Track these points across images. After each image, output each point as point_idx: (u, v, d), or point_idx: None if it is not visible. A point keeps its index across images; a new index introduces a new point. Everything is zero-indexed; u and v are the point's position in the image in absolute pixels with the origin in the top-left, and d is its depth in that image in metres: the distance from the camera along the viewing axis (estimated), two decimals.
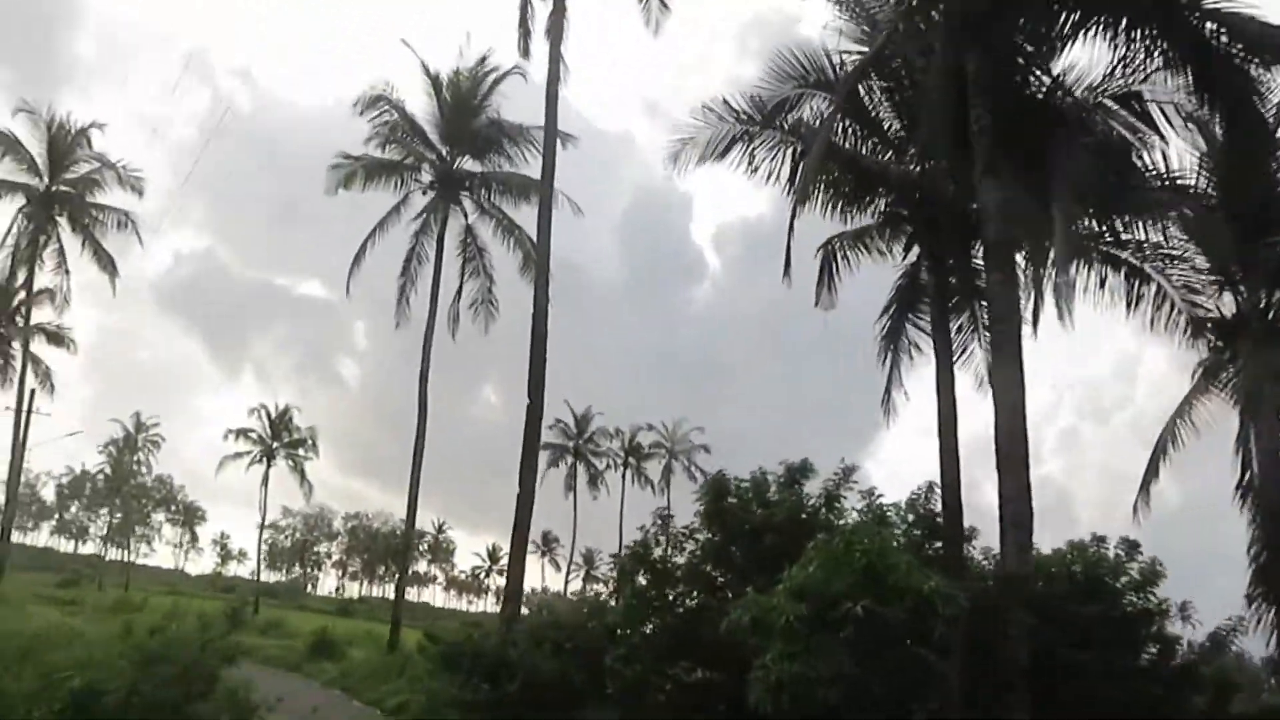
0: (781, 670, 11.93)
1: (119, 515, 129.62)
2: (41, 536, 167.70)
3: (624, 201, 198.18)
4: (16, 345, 39.91)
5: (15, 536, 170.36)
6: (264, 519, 66.80)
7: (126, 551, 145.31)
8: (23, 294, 38.40)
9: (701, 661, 16.26)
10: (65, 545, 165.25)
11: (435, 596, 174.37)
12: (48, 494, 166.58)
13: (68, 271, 39.05)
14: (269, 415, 64.85)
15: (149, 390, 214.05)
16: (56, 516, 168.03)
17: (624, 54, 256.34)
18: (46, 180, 38.16)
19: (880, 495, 17.09)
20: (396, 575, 58.58)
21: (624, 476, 78.95)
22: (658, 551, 17.67)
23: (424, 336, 31.10)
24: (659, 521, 18.15)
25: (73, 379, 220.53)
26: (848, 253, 20.69)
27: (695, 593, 17.40)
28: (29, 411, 38.14)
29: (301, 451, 64.56)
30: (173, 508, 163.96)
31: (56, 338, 41.68)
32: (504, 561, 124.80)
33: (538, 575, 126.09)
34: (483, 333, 31.63)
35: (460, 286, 31.88)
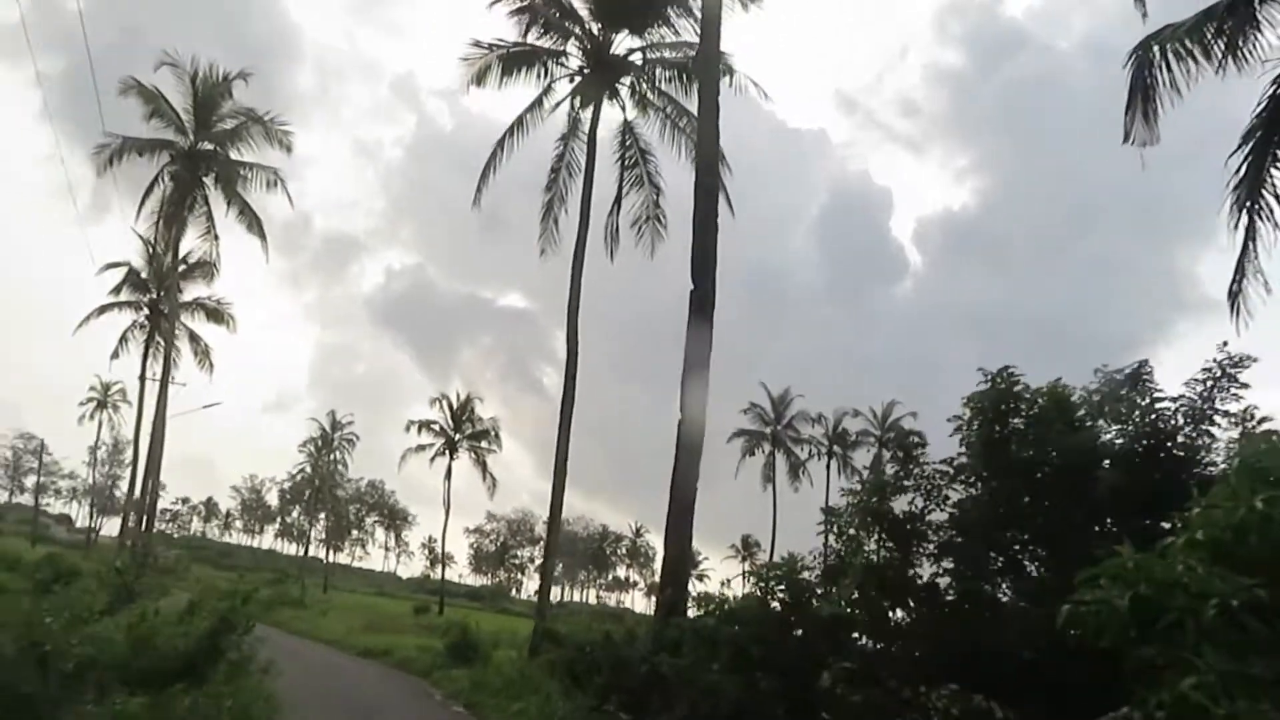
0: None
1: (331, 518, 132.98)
2: (267, 539, 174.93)
3: (821, 200, 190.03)
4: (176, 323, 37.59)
5: (244, 539, 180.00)
6: (448, 513, 63.16)
7: (334, 553, 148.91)
8: (178, 267, 35.48)
9: (986, 679, 9.20)
10: (289, 548, 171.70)
11: (636, 602, 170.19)
12: (272, 499, 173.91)
13: (216, 237, 35.81)
14: (450, 406, 61.39)
15: (367, 402, 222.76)
16: (279, 520, 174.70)
17: (818, 48, 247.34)
18: (192, 138, 34.95)
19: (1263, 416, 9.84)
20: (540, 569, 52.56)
21: (829, 467, 69.85)
22: (900, 503, 11.04)
23: (572, 264, 25.01)
24: (900, 454, 11.59)
25: (301, 392, 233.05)
26: (1171, 63, 13.41)
27: (964, 569, 10.69)
28: (162, 383, 34.94)
29: (485, 444, 60.79)
30: (384, 512, 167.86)
31: (216, 314, 38.87)
32: (704, 565, 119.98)
33: (738, 585, 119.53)
34: (648, 257, 24.93)
35: (618, 198, 25.45)
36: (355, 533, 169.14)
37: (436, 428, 61.01)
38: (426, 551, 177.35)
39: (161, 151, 33.75)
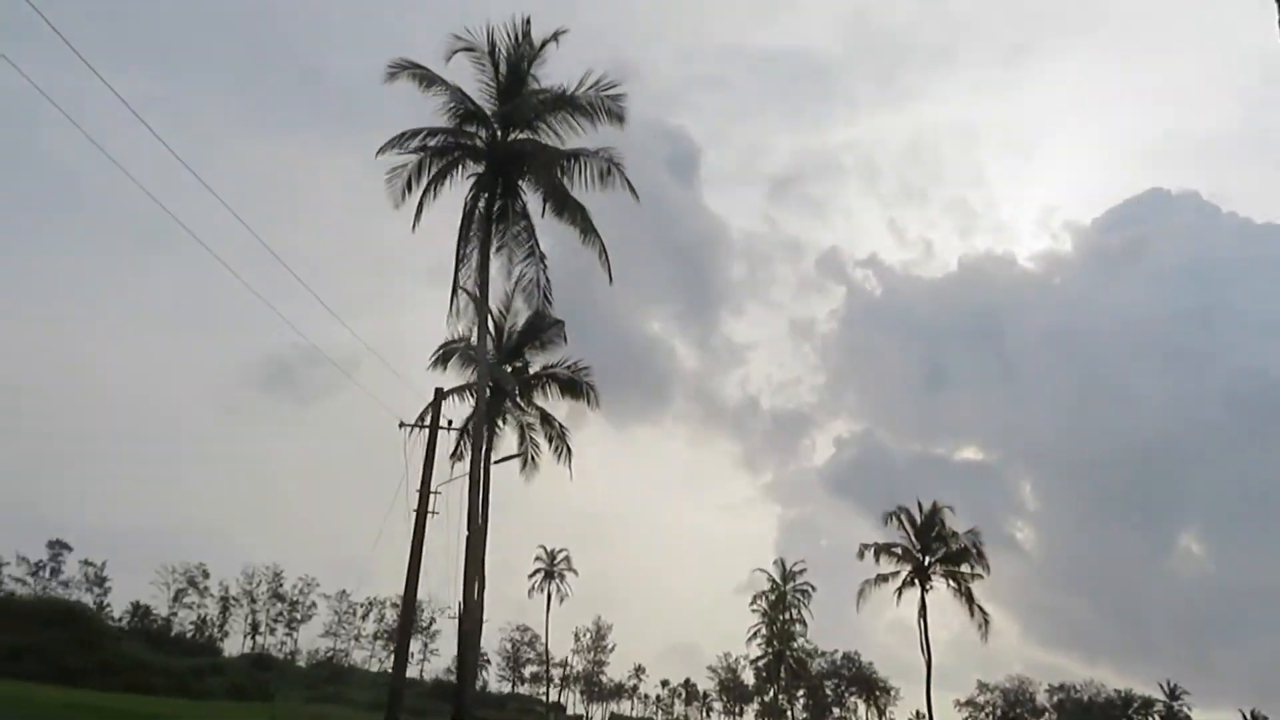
0: None
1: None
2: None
3: None
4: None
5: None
6: (929, 668, 48.38)
7: None
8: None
9: None
10: None
11: None
12: (748, 677, 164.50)
13: (543, 263, 26.61)
14: (912, 520, 47.74)
15: (832, 572, 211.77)
16: (756, 700, 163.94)
17: None
18: (499, 132, 26.49)
19: None
20: None
21: None
22: None
23: None
24: None
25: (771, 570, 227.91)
26: None
27: None
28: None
29: (965, 566, 46.08)
30: (863, 685, 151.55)
31: (572, 385, 30.73)
32: None
33: None
34: None
35: None
36: (837, 710, 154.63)
37: (898, 550, 47.62)
38: None
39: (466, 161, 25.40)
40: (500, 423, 32.77)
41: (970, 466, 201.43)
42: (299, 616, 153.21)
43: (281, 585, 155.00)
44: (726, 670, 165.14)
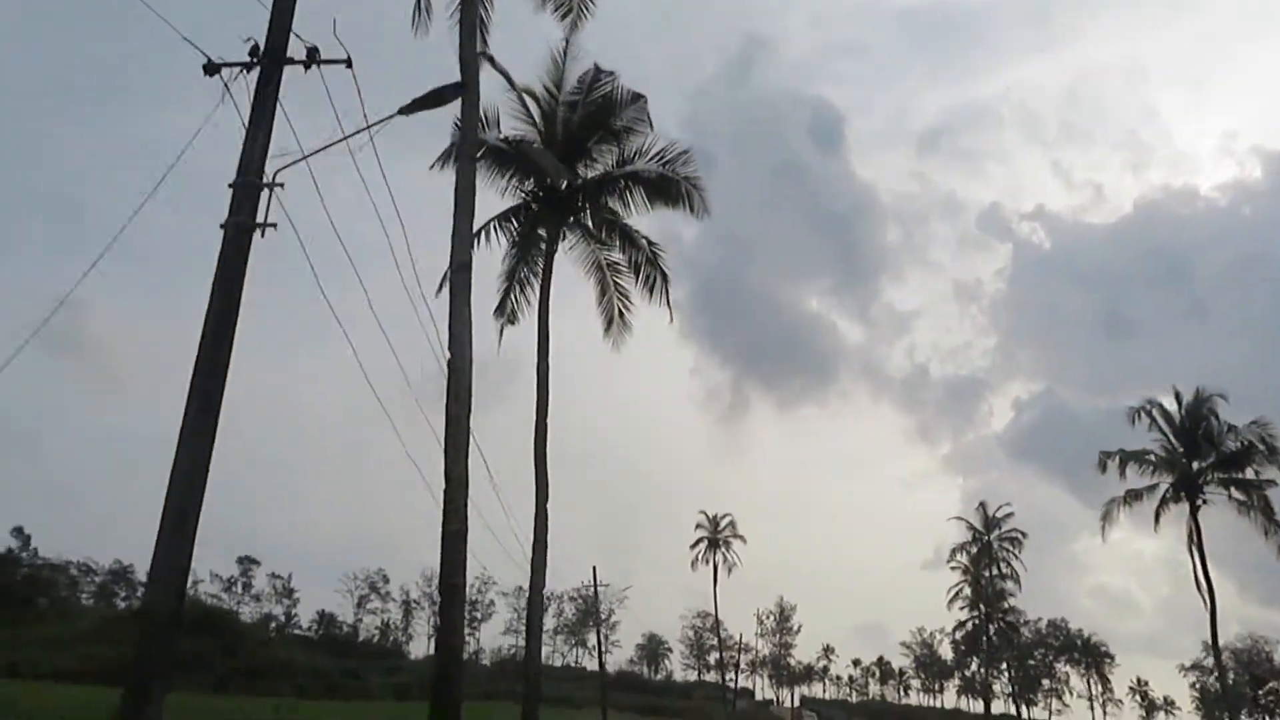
0: None
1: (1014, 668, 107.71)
2: (948, 697, 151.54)
3: None
4: None
5: (923, 699, 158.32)
6: (1205, 585, 37.11)
7: (1026, 707, 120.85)
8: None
9: None
10: (973, 705, 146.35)
11: None
12: (945, 652, 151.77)
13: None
14: (1173, 416, 36.35)
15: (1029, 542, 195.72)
16: (956, 675, 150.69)
17: None
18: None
19: None
20: None
21: None
22: None
23: None
24: None
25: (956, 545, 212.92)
26: None
27: None
28: None
29: (1250, 472, 34.46)
30: (1075, 654, 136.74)
31: (663, 186, 20.84)
32: None
33: None
34: None
35: None
36: (1046, 681, 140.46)
37: (1153, 457, 36.52)
38: (1137, 697, 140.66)
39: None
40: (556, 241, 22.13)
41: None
42: (479, 615, 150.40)
43: None
44: (921, 646, 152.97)
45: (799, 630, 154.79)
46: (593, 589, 51.88)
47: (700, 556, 77.05)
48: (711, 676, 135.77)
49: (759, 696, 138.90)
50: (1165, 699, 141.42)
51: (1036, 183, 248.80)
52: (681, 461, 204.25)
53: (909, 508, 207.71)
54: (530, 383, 20.74)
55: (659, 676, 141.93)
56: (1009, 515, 66.26)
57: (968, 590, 67.35)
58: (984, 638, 69.55)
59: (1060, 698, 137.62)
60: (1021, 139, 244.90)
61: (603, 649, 37.18)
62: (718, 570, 76.69)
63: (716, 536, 75.57)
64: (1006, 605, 67.35)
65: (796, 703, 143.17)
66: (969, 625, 69.00)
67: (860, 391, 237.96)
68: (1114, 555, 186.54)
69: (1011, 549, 63.53)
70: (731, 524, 77.55)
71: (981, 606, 67.13)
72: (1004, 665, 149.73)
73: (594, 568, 53.38)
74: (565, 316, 23.37)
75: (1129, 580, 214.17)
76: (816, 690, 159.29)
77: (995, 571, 63.50)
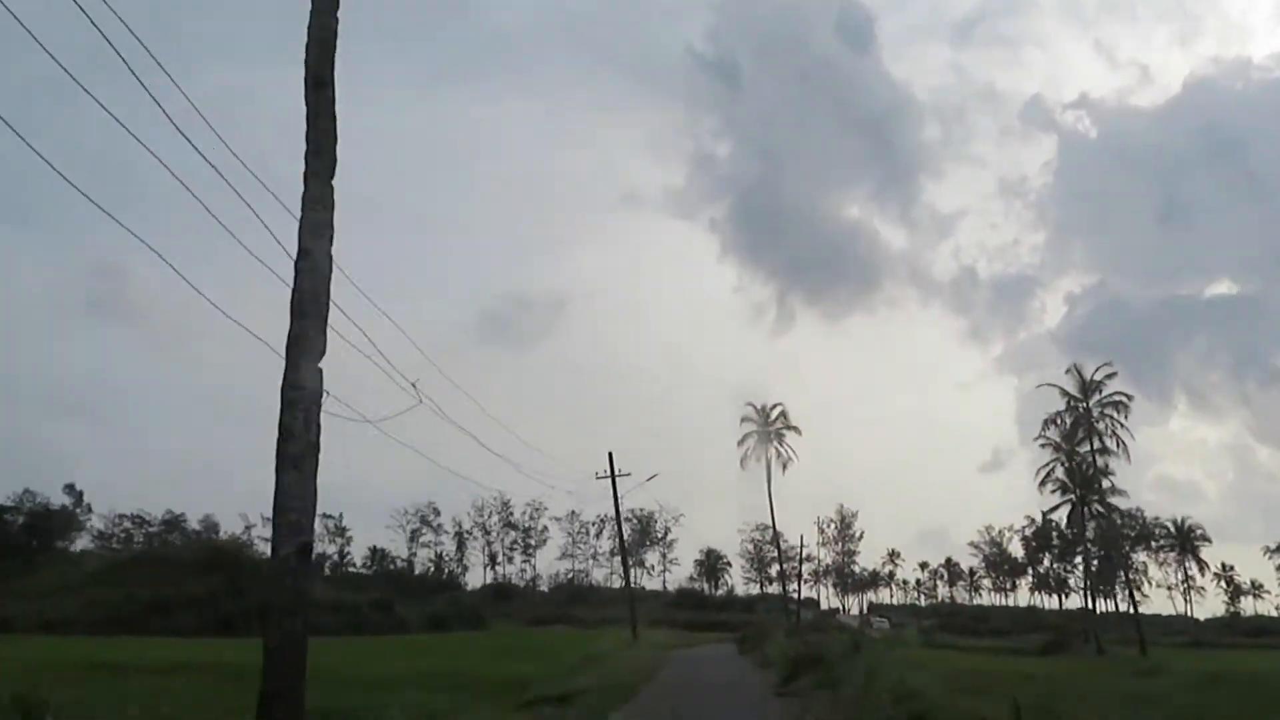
0: None
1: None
2: (1022, 595, 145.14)
3: None
4: None
5: (996, 598, 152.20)
6: None
7: (1103, 600, 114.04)
8: None
9: None
10: (1047, 601, 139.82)
11: None
12: (1015, 549, 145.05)
13: None
14: None
15: None
16: (1030, 573, 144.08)
17: None
18: None
19: None
20: None
21: None
22: None
23: None
24: None
25: (1015, 445, 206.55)
26: None
27: None
28: None
29: None
30: (1153, 544, 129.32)
31: None
32: None
33: None
34: None
35: None
36: (1121, 573, 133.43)
37: None
38: (1223, 584, 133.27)
39: None
40: None
41: (1224, 302, 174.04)
42: (533, 543, 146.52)
43: (511, 514, 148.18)
44: (990, 544, 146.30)
45: (861, 537, 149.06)
46: (610, 476, 45.15)
47: (750, 453, 68.78)
48: (774, 589, 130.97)
49: (824, 606, 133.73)
50: (1252, 582, 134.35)
51: (1079, 68, 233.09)
52: (730, 383, 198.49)
53: (964, 411, 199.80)
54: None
55: (720, 592, 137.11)
56: (1111, 376, 57.01)
57: (1060, 472, 59.14)
58: (1079, 526, 61.20)
59: (1139, 589, 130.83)
60: (1060, 19, 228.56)
61: (623, 537, 31.05)
62: (770, 468, 68.36)
63: (768, 429, 67.40)
64: (1108, 484, 57.94)
65: (865, 610, 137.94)
66: (1063, 509, 60.37)
67: (908, 298, 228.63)
68: (1176, 444, 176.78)
69: (1116, 416, 54.91)
70: (783, 414, 68.79)
71: (1077, 489, 58.94)
72: (1078, 558, 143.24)
73: (610, 453, 46.37)
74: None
75: (1193, 468, 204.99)
76: (884, 596, 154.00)
77: (1095, 445, 54.94)
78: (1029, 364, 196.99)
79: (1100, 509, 57.57)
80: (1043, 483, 58.14)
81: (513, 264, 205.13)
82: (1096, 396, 52.84)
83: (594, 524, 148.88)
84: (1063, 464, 57.31)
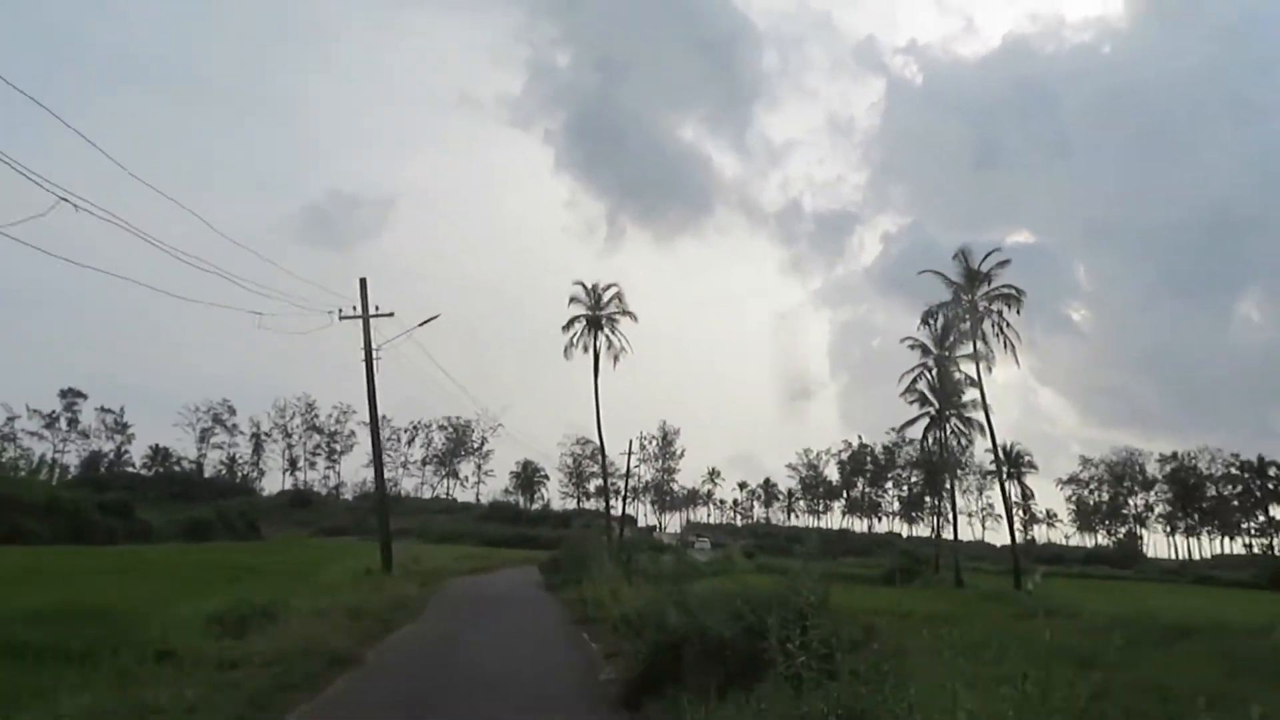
0: None
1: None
2: (834, 518, 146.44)
3: None
4: None
5: (809, 520, 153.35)
6: None
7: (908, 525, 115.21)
8: None
9: None
10: (858, 524, 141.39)
11: None
12: (830, 472, 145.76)
13: None
14: None
15: (891, 374, 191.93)
16: (844, 495, 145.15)
17: None
18: None
19: None
20: None
21: None
22: None
23: None
24: None
25: (825, 377, 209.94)
26: None
27: None
28: None
29: None
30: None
31: None
32: None
33: None
34: None
35: None
36: (928, 499, 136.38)
37: None
38: (1020, 511, 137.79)
39: None
40: None
41: (1022, 250, 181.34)
42: (338, 448, 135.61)
43: (317, 417, 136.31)
44: (807, 468, 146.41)
45: (682, 455, 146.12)
46: (363, 316, 36.50)
47: (577, 340, 58.41)
48: (592, 505, 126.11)
49: (641, 523, 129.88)
50: (1048, 511, 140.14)
51: (911, 11, 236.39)
52: (558, 293, 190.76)
53: (781, 340, 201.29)
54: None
55: (535, 506, 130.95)
56: (1003, 264, 48.85)
57: (923, 384, 53.82)
58: (933, 440, 55.20)
59: (942, 515, 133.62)
60: None
61: (375, 407, 22.78)
62: (599, 358, 58.32)
63: (598, 314, 57.72)
64: (969, 399, 52.71)
65: (684, 528, 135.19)
66: (920, 423, 54.67)
67: (737, 225, 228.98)
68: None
69: (1007, 310, 47.84)
70: (618, 296, 58.78)
71: (936, 402, 53.68)
72: (889, 485, 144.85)
73: (362, 280, 37.86)
74: None
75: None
76: (700, 515, 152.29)
77: (979, 346, 47.79)
78: (844, 298, 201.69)
79: (959, 425, 52.80)
80: (906, 391, 52.61)
81: (342, 160, 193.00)
82: (984, 289, 46.55)
83: (405, 431, 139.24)
84: (928, 371, 51.86)
